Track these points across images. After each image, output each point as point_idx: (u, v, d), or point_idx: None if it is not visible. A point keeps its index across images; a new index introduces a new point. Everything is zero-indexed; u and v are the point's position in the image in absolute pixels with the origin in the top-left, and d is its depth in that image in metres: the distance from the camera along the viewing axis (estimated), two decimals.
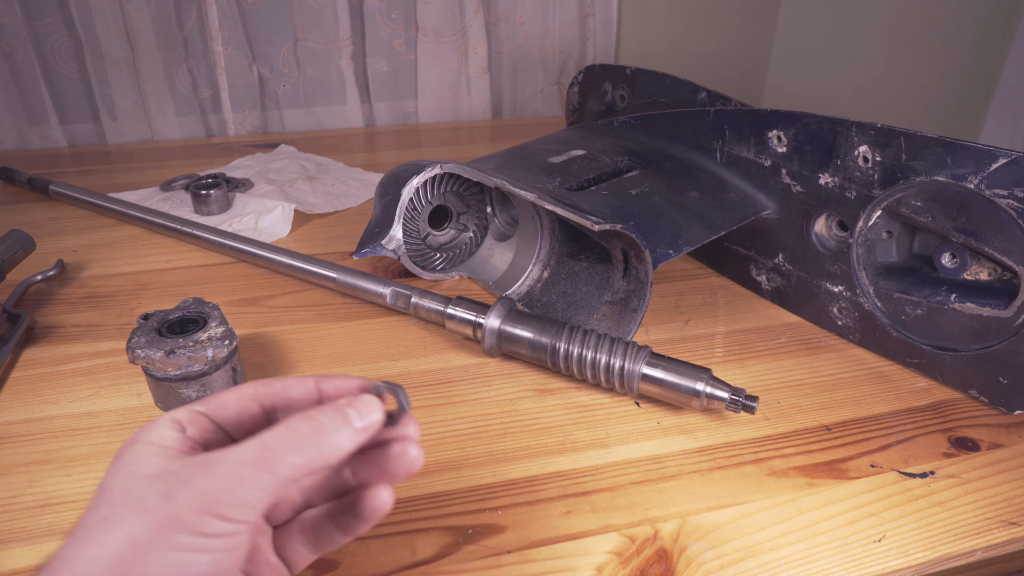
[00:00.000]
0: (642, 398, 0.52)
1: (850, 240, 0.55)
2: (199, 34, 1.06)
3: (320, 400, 0.31)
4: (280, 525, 0.32)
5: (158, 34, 1.03)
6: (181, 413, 0.29)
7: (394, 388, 0.31)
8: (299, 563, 0.32)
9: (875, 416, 0.51)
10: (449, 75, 1.18)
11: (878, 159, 0.51)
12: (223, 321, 0.49)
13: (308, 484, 0.32)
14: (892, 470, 0.45)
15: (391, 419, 0.30)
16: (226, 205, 0.82)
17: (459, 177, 0.66)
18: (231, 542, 0.25)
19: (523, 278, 0.65)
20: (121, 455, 0.27)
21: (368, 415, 0.29)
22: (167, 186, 0.88)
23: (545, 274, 0.64)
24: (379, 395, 0.30)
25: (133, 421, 0.49)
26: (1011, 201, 0.45)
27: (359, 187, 0.91)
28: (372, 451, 0.31)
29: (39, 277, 0.65)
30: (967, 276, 0.50)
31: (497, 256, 0.69)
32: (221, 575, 0.25)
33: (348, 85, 1.15)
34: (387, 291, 0.59)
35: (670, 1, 1.24)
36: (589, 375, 0.51)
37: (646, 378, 0.49)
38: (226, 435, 0.30)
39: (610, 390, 0.52)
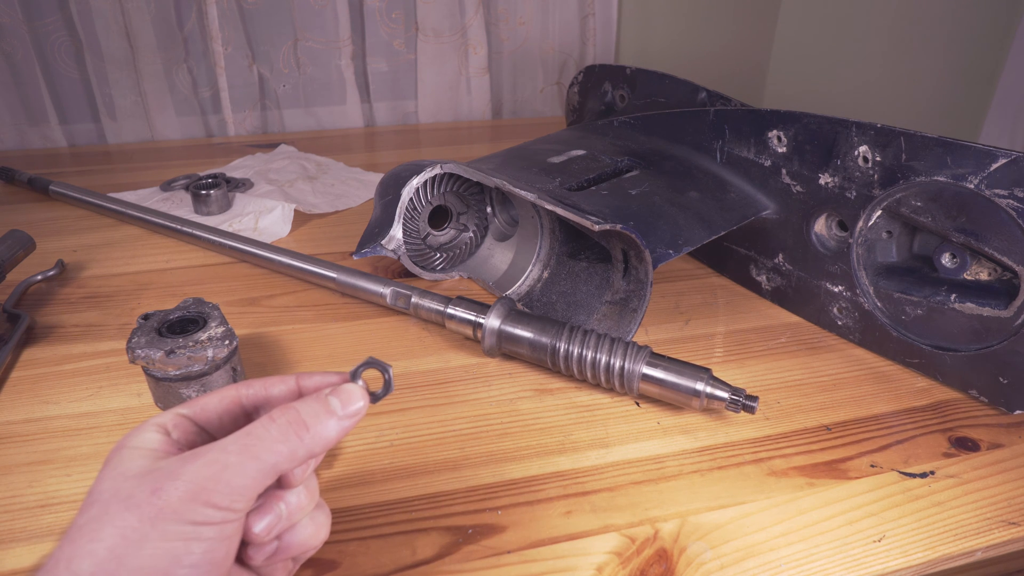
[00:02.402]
0: (642, 398, 0.52)
1: (850, 240, 0.55)
2: (199, 34, 1.06)
3: (301, 396, 0.31)
4: None
5: (158, 34, 1.03)
6: (165, 417, 0.29)
7: (384, 366, 0.32)
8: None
9: (875, 416, 0.51)
10: (449, 75, 1.18)
11: (878, 159, 0.51)
12: (223, 321, 0.49)
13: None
14: (892, 470, 0.45)
15: (375, 397, 0.31)
16: (226, 205, 0.82)
17: (459, 177, 0.66)
18: (222, 530, 0.26)
19: (523, 278, 0.65)
20: (109, 460, 0.27)
21: (350, 403, 0.30)
22: (167, 186, 0.88)
23: (545, 274, 0.64)
24: (369, 367, 0.31)
25: (133, 421, 0.49)
26: (1011, 201, 0.45)
27: (359, 187, 0.91)
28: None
29: (39, 277, 0.65)
30: (967, 276, 0.50)
31: (497, 256, 0.69)
32: (214, 564, 0.26)
33: (348, 85, 1.15)
34: (387, 291, 0.60)
35: (670, 1, 1.24)
36: (589, 375, 0.51)
37: (646, 378, 0.49)
38: (210, 437, 0.30)
39: (610, 390, 0.52)
